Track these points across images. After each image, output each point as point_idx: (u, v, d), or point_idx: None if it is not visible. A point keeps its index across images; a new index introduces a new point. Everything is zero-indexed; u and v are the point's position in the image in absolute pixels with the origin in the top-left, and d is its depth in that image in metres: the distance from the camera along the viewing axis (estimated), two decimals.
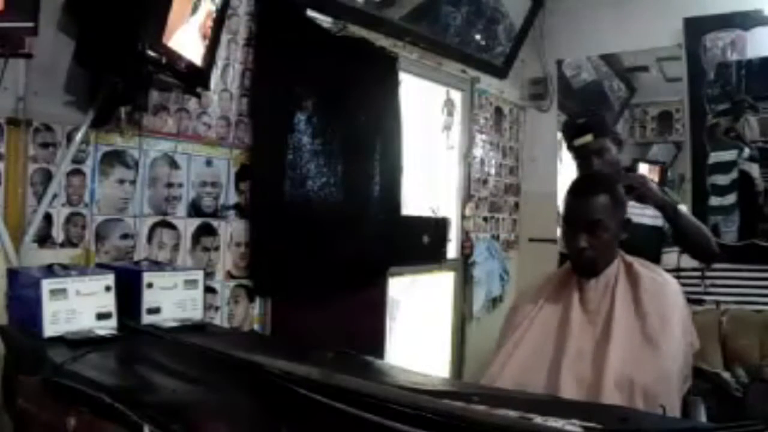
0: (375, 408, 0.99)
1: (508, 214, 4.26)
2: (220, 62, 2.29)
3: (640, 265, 1.64)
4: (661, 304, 1.55)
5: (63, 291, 1.56)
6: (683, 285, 1.66)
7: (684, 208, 1.93)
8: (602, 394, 1.43)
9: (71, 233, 1.93)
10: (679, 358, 1.50)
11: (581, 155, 2.08)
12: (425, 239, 3.38)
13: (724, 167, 3.54)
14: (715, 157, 3.56)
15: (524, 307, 1.71)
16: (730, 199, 3.51)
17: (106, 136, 2.00)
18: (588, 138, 2.05)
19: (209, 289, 2.26)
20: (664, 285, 1.60)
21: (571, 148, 2.12)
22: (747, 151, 3.53)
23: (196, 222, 2.28)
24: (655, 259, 1.82)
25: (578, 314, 1.59)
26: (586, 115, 2.23)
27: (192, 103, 2.26)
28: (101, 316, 1.62)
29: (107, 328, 1.61)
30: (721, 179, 3.54)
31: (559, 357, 1.54)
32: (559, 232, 2.19)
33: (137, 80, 1.86)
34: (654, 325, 1.50)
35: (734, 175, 3.51)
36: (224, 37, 2.24)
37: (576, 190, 1.69)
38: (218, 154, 2.35)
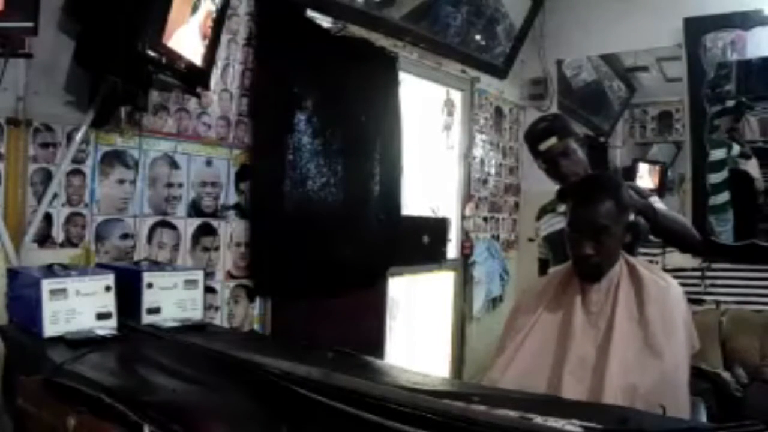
0: (375, 408, 0.99)
1: (508, 214, 4.26)
2: (220, 62, 2.29)
3: (642, 267, 1.64)
4: (665, 310, 1.53)
5: (63, 291, 1.56)
6: (683, 285, 1.65)
7: (660, 204, 1.92)
8: (605, 402, 1.42)
9: (71, 233, 1.93)
10: (684, 365, 1.49)
11: (548, 159, 2.07)
12: (425, 239, 3.38)
13: (717, 165, 3.55)
14: (710, 155, 3.56)
15: (526, 310, 1.70)
16: (723, 197, 3.52)
17: (106, 136, 2.01)
18: (552, 141, 2.04)
19: (209, 289, 2.26)
20: (667, 289, 1.59)
21: (536, 154, 2.11)
22: (737, 149, 3.53)
23: (196, 222, 2.28)
24: (630, 253, 1.82)
25: (580, 317, 1.58)
26: (546, 119, 2.22)
27: (192, 103, 2.26)
28: (101, 316, 1.62)
29: (107, 328, 1.61)
30: (714, 178, 3.55)
31: (560, 363, 1.53)
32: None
33: (137, 80, 1.86)
34: (658, 334, 1.49)
35: (725, 173, 3.52)
36: (224, 37, 2.24)
37: (581, 196, 1.67)
38: (218, 154, 2.35)
